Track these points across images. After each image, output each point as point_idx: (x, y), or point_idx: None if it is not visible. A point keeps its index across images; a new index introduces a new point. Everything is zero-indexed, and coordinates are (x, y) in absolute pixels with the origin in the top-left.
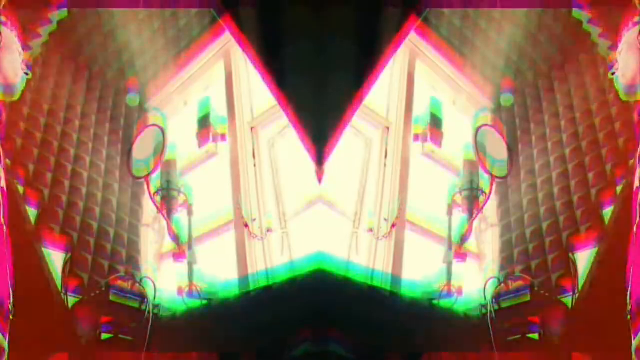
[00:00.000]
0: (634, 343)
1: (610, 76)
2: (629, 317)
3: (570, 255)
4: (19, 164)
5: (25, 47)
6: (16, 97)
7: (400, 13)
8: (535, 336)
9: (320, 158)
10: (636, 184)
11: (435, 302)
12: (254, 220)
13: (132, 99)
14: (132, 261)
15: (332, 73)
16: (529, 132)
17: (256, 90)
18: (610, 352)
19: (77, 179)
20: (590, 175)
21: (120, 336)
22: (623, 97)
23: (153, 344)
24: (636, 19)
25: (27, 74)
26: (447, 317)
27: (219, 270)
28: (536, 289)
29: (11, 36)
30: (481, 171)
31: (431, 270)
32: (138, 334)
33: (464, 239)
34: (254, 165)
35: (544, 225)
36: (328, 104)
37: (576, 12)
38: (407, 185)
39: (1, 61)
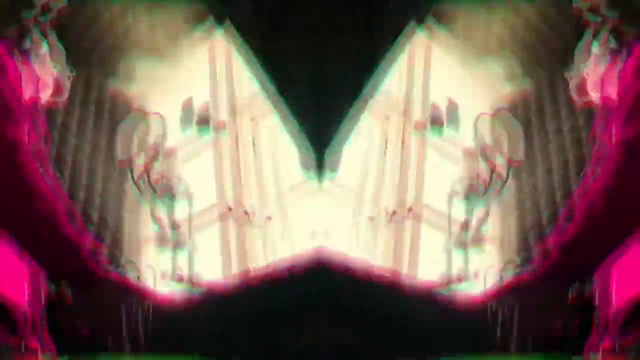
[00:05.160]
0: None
1: None
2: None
3: None
4: None
5: None
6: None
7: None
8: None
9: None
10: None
11: (436, 290)
12: (253, 208)
13: (121, 85)
14: (126, 248)
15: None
16: (536, 123)
17: (255, 79)
18: None
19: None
20: None
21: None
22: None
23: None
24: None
25: (71, 71)
26: (448, 304)
27: (217, 258)
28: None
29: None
30: (481, 160)
31: (432, 259)
32: (130, 319)
33: (465, 226)
34: (253, 154)
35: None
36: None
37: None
38: (408, 173)
39: (50, 63)
